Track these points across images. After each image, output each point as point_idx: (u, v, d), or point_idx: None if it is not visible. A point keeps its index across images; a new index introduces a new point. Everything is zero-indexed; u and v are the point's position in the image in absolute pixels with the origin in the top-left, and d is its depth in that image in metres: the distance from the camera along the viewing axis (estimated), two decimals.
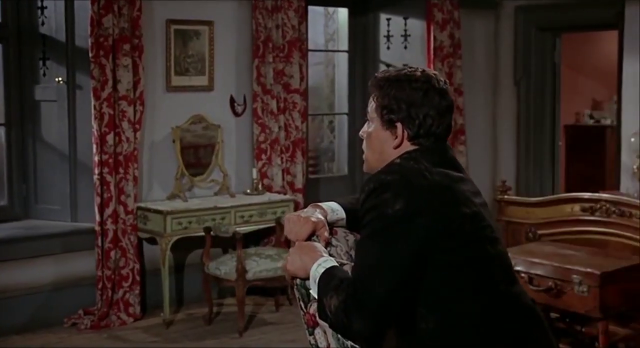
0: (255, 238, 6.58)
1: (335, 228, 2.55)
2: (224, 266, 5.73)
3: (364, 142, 2.55)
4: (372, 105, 2.50)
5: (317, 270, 2.37)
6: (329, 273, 2.35)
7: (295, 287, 2.46)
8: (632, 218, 4.83)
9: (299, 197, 6.71)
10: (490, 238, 2.39)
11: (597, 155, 9.56)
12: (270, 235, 6.55)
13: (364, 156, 2.57)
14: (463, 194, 2.37)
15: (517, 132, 8.29)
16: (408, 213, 2.26)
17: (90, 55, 5.70)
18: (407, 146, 2.45)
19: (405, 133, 2.44)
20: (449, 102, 2.46)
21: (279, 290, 6.24)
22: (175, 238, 5.82)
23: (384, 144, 2.47)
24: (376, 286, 2.23)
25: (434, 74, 2.47)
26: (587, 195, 5.14)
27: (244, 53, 6.60)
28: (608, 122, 9.83)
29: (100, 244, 5.83)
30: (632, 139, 6.74)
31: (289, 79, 6.70)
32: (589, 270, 4.41)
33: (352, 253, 2.50)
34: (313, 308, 2.40)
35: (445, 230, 2.28)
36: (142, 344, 5.54)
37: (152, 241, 6.04)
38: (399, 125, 2.44)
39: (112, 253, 5.87)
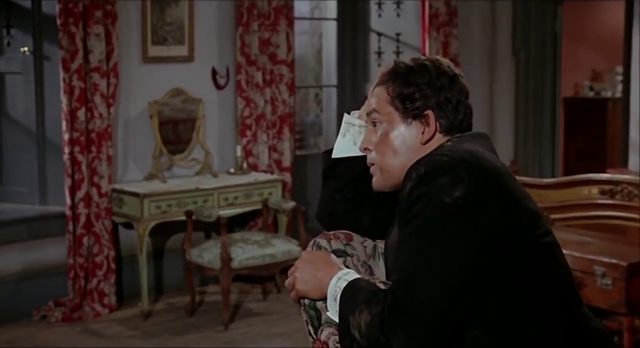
0: (240, 221, 6.18)
1: (350, 233, 2.08)
2: (207, 253, 5.31)
3: (373, 152, 2.09)
4: (380, 101, 2.07)
5: (337, 285, 1.91)
6: (354, 286, 1.89)
7: (302, 307, 1.98)
8: None
9: (287, 177, 6.31)
10: (558, 245, 1.96)
11: (597, 130, 9.16)
12: (256, 218, 6.15)
13: (374, 169, 2.10)
14: (523, 187, 1.93)
15: (515, 105, 7.94)
16: (471, 201, 1.81)
17: (58, 22, 5.32)
18: (440, 139, 2.02)
19: (437, 124, 2.02)
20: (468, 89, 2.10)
21: (266, 276, 5.83)
22: (153, 223, 5.44)
23: (409, 141, 2.04)
24: (428, 292, 1.76)
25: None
26: (606, 176, 4.75)
27: (226, 21, 6.20)
28: (609, 94, 9.42)
29: (71, 230, 5.47)
30: None
31: (275, 49, 6.29)
32: (613, 261, 4.01)
33: (371, 263, 2.05)
34: (325, 334, 1.93)
35: (514, 225, 1.85)
36: (119, 339, 5.16)
37: (128, 226, 5.67)
38: (429, 113, 2.02)
39: (85, 240, 5.50)
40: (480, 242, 1.80)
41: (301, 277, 1.98)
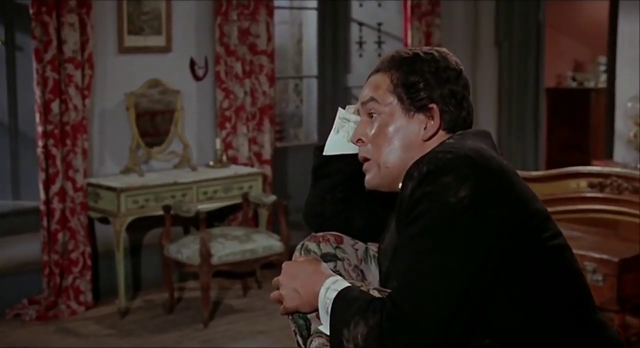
0: (219, 215, 6.04)
1: (340, 235, 1.95)
2: (186, 249, 5.17)
3: (368, 146, 1.94)
4: (380, 89, 1.92)
5: (327, 296, 1.77)
6: (345, 296, 1.75)
7: (289, 317, 1.84)
8: None
9: (267, 169, 6.17)
10: (569, 247, 1.84)
11: (581, 121, 9.06)
12: (236, 212, 6.01)
13: (369, 166, 1.95)
14: (529, 188, 1.82)
15: (498, 96, 7.81)
16: (477, 201, 1.68)
17: (31, 11, 5.16)
18: (441, 137, 1.90)
19: (442, 119, 1.89)
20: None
21: (246, 272, 5.69)
22: (130, 218, 5.29)
23: (409, 136, 1.90)
24: (432, 299, 1.63)
25: None
26: (595, 169, 4.65)
27: (205, 10, 6.05)
28: (592, 84, 9.33)
29: (46, 225, 5.33)
30: (629, 104, 6.24)
31: (255, 39, 6.14)
32: (604, 256, 3.93)
33: (363, 267, 1.91)
34: (315, 344, 1.79)
35: (522, 227, 1.72)
36: (95, 338, 5.01)
37: (105, 221, 5.51)
38: (434, 106, 1.88)
39: (60, 236, 5.35)
40: (487, 244, 1.68)
41: (287, 295, 1.83)
